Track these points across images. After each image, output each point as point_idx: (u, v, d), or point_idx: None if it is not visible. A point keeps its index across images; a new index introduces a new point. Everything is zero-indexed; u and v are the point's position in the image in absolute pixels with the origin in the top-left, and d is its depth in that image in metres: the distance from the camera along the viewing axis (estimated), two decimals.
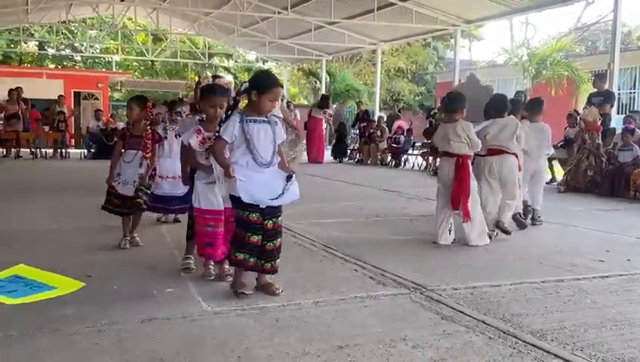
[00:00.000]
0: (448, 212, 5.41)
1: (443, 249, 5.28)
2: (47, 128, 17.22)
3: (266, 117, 3.64)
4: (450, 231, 5.43)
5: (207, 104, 3.95)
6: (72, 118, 19.32)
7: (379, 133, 16.58)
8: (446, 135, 5.38)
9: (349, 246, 5.16)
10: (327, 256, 4.87)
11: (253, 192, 3.53)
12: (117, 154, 5.06)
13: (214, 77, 9.61)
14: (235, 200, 3.58)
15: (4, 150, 16.10)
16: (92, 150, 16.68)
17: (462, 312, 3.43)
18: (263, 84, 3.61)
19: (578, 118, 10.78)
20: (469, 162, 5.38)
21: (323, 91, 23.32)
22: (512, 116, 5.85)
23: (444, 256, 4.97)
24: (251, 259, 3.62)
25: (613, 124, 10.88)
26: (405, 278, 4.13)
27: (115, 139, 5.49)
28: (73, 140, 18.51)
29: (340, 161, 17.42)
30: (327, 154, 17.87)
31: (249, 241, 3.58)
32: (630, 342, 3.02)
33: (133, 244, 5.04)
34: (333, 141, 18.55)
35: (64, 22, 22.93)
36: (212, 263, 4.10)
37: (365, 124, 17.12)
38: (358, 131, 17.82)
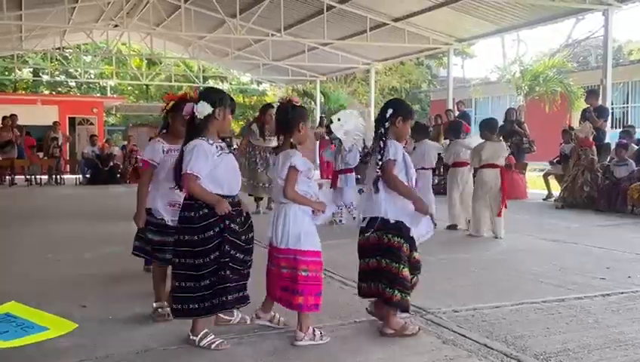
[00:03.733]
0: (488, 211, 6.88)
1: (441, 269, 5.22)
2: (41, 155, 17.19)
3: None
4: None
5: (306, 127, 3.43)
6: (67, 143, 19.29)
7: None
8: (497, 151, 6.96)
9: (347, 269, 5.07)
10: (325, 279, 4.79)
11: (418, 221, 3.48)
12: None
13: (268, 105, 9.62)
14: (403, 233, 3.40)
15: None
16: (87, 176, 16.64)
17: (463, 336, 3.38)
18: (409, 110, 3.65)
19: (573, 133, 10.80)
20: None
21: (318, 112, 23.39)
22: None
23: (442, 277, 4.91)
24: (409, 298, 3.41)
25: (608, 139, 10.90)
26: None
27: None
28: (68, 166, 18.43)
29: None
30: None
31: (408, 279, 3.40)
32: None
33: None
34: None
35: (58, 48, 23.01)
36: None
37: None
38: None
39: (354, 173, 7.93)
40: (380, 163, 3.40)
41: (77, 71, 27.40)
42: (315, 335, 3.27)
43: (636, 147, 10.26)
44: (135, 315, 3.80)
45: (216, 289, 3.15)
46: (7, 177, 15.92)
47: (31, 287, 4.46)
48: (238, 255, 3.22)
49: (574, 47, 30.73)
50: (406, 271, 3.37)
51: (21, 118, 16.81)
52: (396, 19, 16.06)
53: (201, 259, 3.14)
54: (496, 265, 5.42)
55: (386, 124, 3.50)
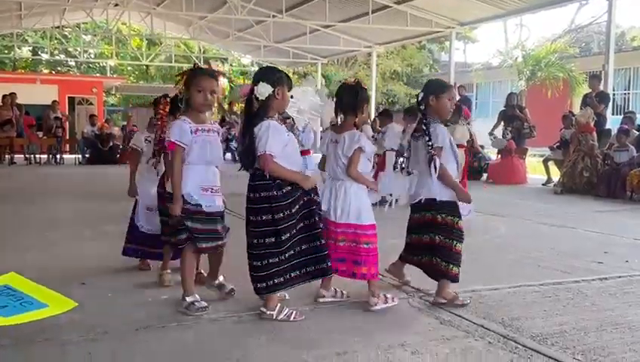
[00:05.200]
0: None
1: None
2: (40, 134, 17.14)
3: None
4: None
5: (367, 110, 3.63)
6: (67, 123, 19.24)
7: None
8: (464, 134, 7.77)
9: None
10: None
11: None
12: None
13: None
14: (456, 211, 3.62)
15: None
16: (87, 155, 16.62)
17: (461, 316, 3.40)
18: (438, 85, 3.72)
19: (573, 119, 10.78)
20: None
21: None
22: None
23: None
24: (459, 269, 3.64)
25: (609, 125, 10.88)
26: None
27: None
28: (67, 145, 18.39)
29: None
30: None
31: (461, 253, 3.65)
32: (631, 345, 2.99)
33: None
34: None
35: (58, 27, 22.86)
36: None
37: None
38: None
39: (312, 155, 7.79)
40: (430, 146, 3.55)
41: (76, 50, 27.21)
42: (387, 299, 3.52)
43: (637, 133, 10.24)
44: (135, 293, 3.81)
45: (309, 259, 3.31)
46: (6, 156, 15.90)
47: (30, 265, 4.46)
48: (321, 225, 3.37)
49: (577, 32, 30.54)
50: (459, 247, 3.60)
51: (20, 97, 16.73)
52: (399, 2, 15.92)
53: (287, 233, 3.22)
54: (494, 249, 5.43)
55: (422, 107, 3.65)
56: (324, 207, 3.50)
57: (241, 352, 2.85)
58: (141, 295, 3.77)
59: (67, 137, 18.63)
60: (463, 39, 33.04)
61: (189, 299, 3.41)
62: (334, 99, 3.69)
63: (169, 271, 4.10)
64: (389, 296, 3.56)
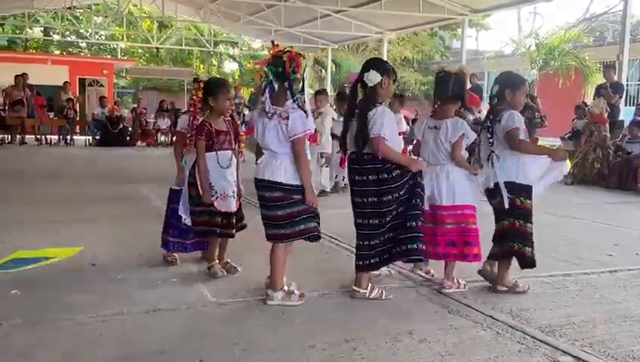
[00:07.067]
0: None
1: None
2: (51, 115, 17.19)
3: None
4: None
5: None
6: (77, 104, 19.29)
7: None
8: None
9: (355, 238, 5.09)
10: (332, 247, 4.83)
11: None
12: (203, 158, 3.70)
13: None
14: (530, 194, 3.72)
15: (9, 136, 16.06)
16: (97, 137, 16.67)
17: (469, 306, 3.40)
18: (515, 80, 3.80)
19: (586, 109, 10.67)
20: None
21: (328, 80, 23.16)
22: None
23: None
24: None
25: (622, 116, 10.77)
26: (412, 271, 4.09)
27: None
28: (77, 127, 18.42)
29: None
30: None
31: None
32: None
33: (229, 272, 3.94)
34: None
35: (69, 8, 22.78)
36: None
37: None
38: None
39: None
40: (491, 140, 3.65)
41: (87, 32, 27.17)
42: (459, 284, 3.70)
43: None
44: (145, 276, 3.83)
45: (403, 239, 3.39)
46: (17, 136, 15.96)
47: (40, 245, 4.50)
48: (423, 207, 3.50)
49: (591, 21, 30.15)
50: (531, 227, 3.74)
51: (32, 77, 16.74)
52: None
53: (389, 216, 3.38)
54: None
55: (494, 100, 3.72)
56: (427, 192, 3.60)
57: (248, 337, 2.86)
58: (151, 277, 3.79)
59: (78, 119, 18.69)
60: (476, 26, 32.70)
61: (287, 289, 3.38)
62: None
63: (217, 261, 3.93)
64: (461, 281, 3.71)
